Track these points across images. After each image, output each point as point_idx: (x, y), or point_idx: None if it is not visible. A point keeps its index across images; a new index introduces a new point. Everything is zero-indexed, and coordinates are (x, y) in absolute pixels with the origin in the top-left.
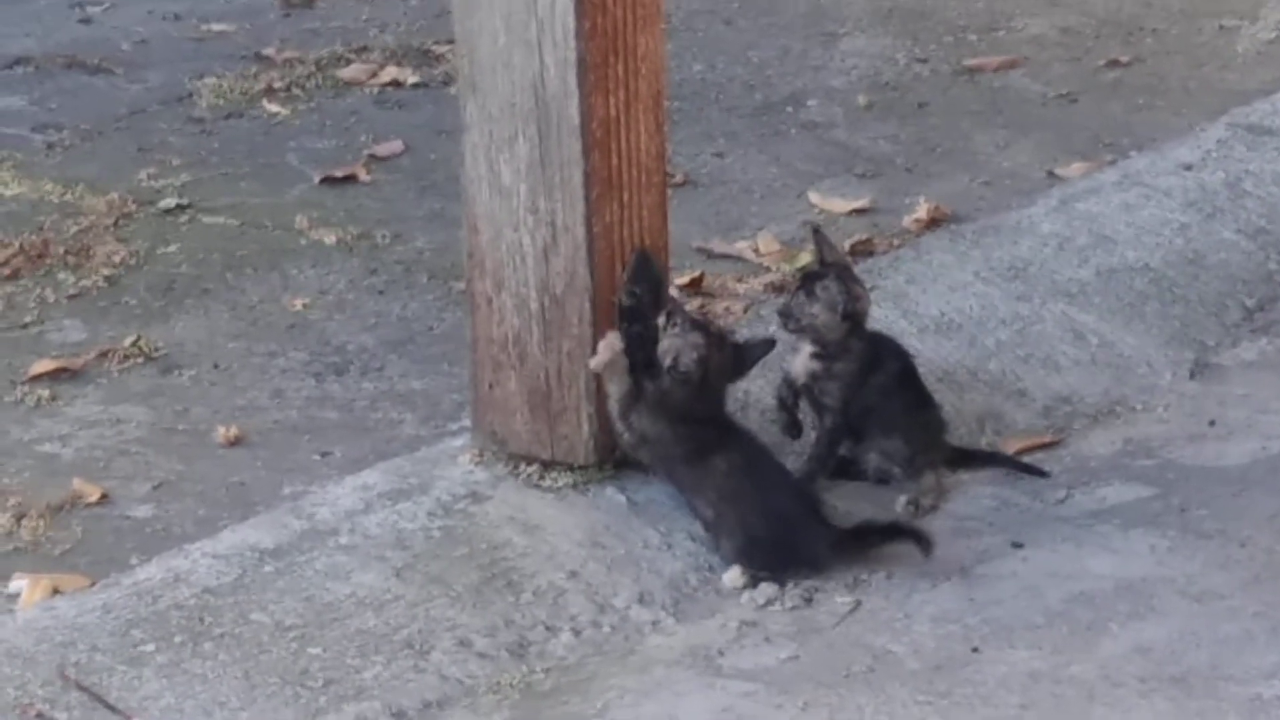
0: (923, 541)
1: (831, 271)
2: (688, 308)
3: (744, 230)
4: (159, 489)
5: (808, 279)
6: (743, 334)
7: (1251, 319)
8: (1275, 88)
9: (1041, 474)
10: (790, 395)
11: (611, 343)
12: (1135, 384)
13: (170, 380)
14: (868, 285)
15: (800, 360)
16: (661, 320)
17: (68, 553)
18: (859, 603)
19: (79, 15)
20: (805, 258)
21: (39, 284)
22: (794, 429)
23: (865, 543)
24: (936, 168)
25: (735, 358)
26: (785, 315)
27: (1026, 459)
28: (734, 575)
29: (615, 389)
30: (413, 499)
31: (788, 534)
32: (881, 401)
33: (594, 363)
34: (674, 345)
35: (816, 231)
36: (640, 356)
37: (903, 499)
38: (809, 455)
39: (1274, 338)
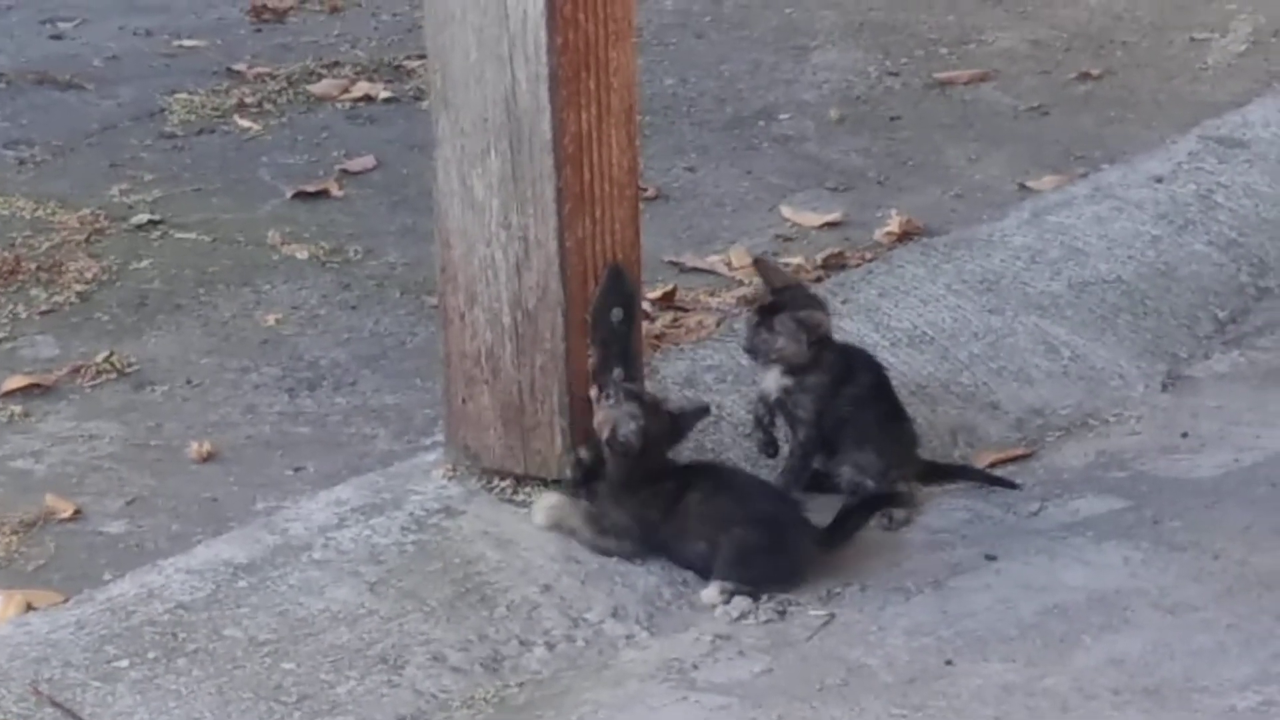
0: (895, 499)
1: (785, 302)
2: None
3: (716, 244)
4: (132, 505)
5: (764, 313)
6: (707, 353)
7: (1223, 331)
8: (1246, 100)
9: (1014, 486)
10: (766, 414)
11: (547, 506)
12: (1108, 396)
13: (143, 396)
14: (839, 298)
15: (772, 376)
16: (594, 393)
17: (41, 569)
18: (832, 616)
19: (50, 31)
20: None
21: (11, 300)
22: (770, 447)
23: (847, 529)
24: (908, 181)
25: (672, 425)
26: (751, 352)
27: (999, 471)
28: (710, 591)
29: (576, 523)
30: (386, 514)
31: (776, 535)
32: (854, 414)
33: (540, 524)
34: (611, 416)
35: (758, 261)
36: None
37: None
38: (783, 469)
39: (1246, 350)
